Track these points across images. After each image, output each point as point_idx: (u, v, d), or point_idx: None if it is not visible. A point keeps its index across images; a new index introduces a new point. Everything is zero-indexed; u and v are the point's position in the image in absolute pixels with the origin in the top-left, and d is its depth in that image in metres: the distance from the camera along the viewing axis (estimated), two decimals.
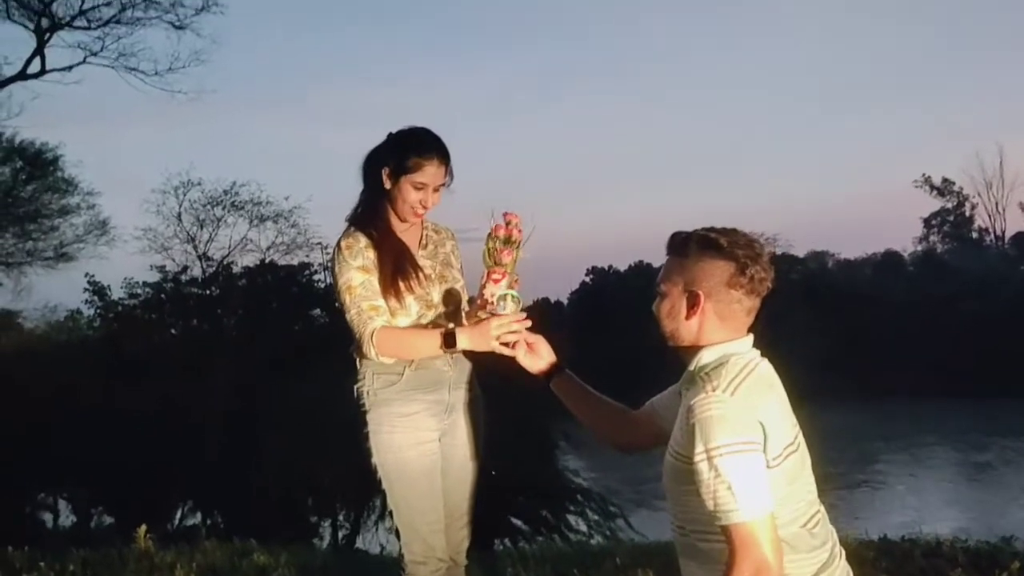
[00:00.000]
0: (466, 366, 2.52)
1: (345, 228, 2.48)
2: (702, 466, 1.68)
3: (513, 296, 2.31)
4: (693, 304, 1.85)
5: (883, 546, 4.16)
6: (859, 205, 79.31)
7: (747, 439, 1.69)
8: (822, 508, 1.86)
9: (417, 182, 2.39)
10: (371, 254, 2.40)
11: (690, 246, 1.87)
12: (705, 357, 1.85)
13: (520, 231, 2.33)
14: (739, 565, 1.64)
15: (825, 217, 78.00)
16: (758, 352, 1.89)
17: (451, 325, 2.36)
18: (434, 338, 2.32)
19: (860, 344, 38.73)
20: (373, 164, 2.46)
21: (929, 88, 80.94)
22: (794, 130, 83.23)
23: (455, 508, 2.51)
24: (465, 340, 2.30)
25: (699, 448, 1.69)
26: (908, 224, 62.47)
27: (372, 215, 2.46)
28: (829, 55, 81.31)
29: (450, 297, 2.49)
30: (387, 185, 2.42)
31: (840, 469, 26.08)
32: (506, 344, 2.30)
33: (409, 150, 2.39)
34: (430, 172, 2.39)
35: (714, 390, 1.73)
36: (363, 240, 2.42)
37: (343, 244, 2.42)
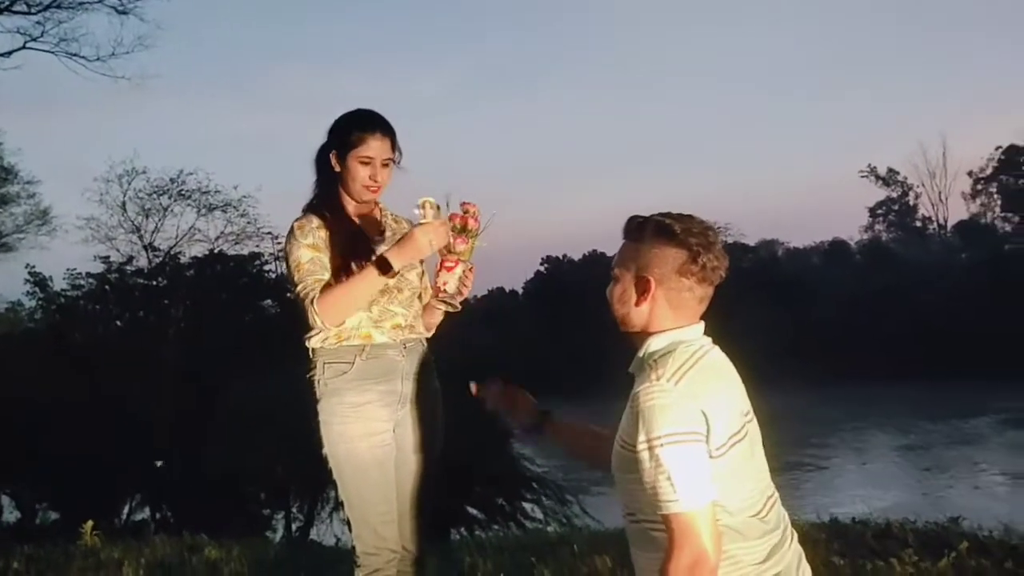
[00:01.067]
0: (421, 357, 2.48)
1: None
2: (643, 455, 1.68)
3: (431, 202, 2.28)
4: (644, 290, 1.84)
5: (834, 528, 4.23)
6: (808, 194, 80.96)
7: (688, 429, 1.68)
8: (775, 493, 1.86)
9: (362, 156, 2.37)
10: (323, 234, 2.37)
11: (645, 231, 1.86)
12: (654, 344, 1.84)
13: (477, 220, 2.33)
14: (677, 555, 1.65)
15: (775, 206, 79.44)
16: (709, 340, 1.88)
17: (382, 251, 2.29)
18: (369, 271, 2.26)
19: (808, 330, 39.52)
20: (322, 153, 2.45)
21: (875, 79, 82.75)
22: (746, 120, 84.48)
23: (407, 499, 2.47)
24: (396, 257, 2.24)
25: (641, 437, 1.69)
26: (855, 213, 63.78)
27: (326, 201, 2.43)
28: (779, 45, 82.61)
29: (405, 282, 2.44)
30: (337, 168, 2.41)
31: (787, 452, 26.63)
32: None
33: (351, 127, 2.39)
34: (374, 146, 2.38)
35: (658, 379, 1.73)
36: (316, 221, 2.39)
37: (295, 225, 2.39)
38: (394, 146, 2.42)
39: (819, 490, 21.69)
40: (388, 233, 2.50)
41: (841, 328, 39.54)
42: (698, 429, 1.69)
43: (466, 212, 2.31)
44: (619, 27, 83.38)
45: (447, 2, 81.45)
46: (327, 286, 2.29)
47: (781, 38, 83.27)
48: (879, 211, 55.39)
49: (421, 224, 2.25)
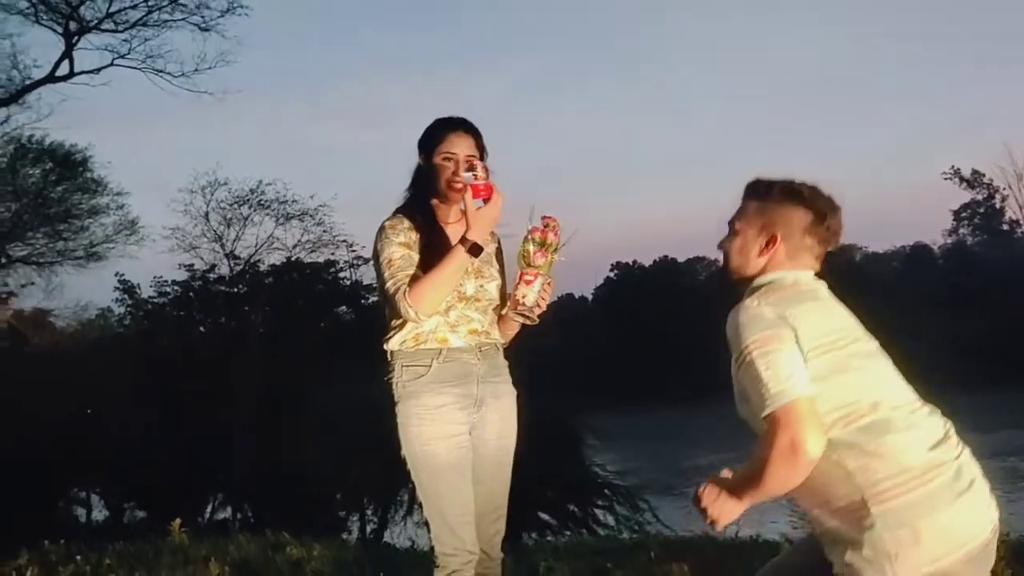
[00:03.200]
0: (497, 361, 2.50)
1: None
2: (741, 370, 1.78)
3: (482, 165, 2.35)
4: (769, 243, 1.93)
5: None
6: (889, 197, 78.46)
7: (772, 333, 1.76)
8: (936, 410, 1.89)
9: (445, 152, 2.43)
10: (414, 235, 2.43)
11: (773, 191, 1.96)
12: (763, 280, 1.94)
13: (557, 235, 2.34)
14: (775, 442, 1.69)
15: (854, 209, 76.89)
16: (818, 281, 1.97)
17: (466, 238, 2.31)
18: (453, 253, 2.30)
19: (888, 336, 38.32)
20: (416, 166, 2.53)
21: (959, 78, 79.87)
22: (822, 122, 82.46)
23: (487, 502, 2.49)
24: (473, 233, 2.30)
25: (735, 355, 1.79)
26: (938, 216, 61.61)
27: (416, 204, 2.50)
28: (861, 41, 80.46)
29: (484, 292, 2.47)
30: (425, 169, 2.49)
31: None
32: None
33: (435, 129, 2.47)
34: (456, 142, 2.43)
35: (747, 301, 1.85)
36: (406, 222, 2.45)
37: (387, 224, 2.45)
38: (479, 146, 2.47)
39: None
40: None
41: (923, 334, 38.25)
42: (783, 332, 1.76)
43: (547, 226, 2.33)
44: (692, 34, 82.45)
45: (517, 8, 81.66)
46: (415, 279, 2.33)
47: (863, 34, 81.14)
48: (963, 214, 53.35)
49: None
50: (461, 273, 2.35)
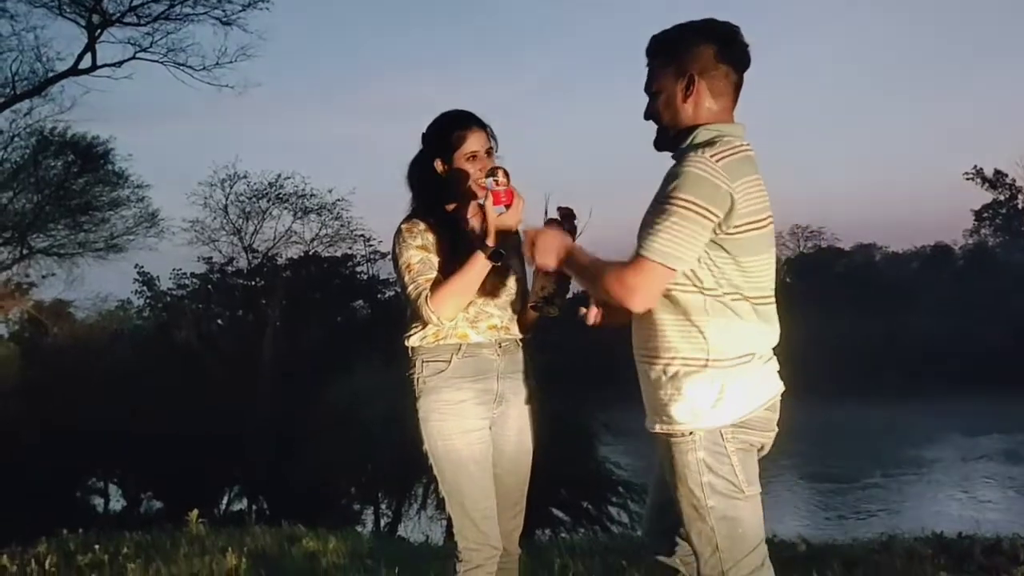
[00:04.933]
0: (517, 357, 2.49)
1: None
2: (657, 208, 1.88)
3: (503, 170, 2.31)
4: (689, 84, 1.97)
5: (940, 543, 4.06)
6: (909, 197, 77.79)
7: (706, 206, 1.85)
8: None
9: (467, 152, 2.41)
10: (431, 237, 2.41)
11: (670, 40, 2.01)
12: (702, 135, 1.96)
13: (573, 224, 2.30)
14: (629, 273, 1.89)
15: (873, 209, 76.57)
16: (749, 143, 2.00)
17: (487, 244, 2.30)
18: (474, 259, 2.30)
19: (909, 338, 38.03)
20: (420, 167, 2.48)
21: (981, 78, 79.09)
22: (840, 121, 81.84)
23: (505, 497, 2.48)
24: (493, 239, 2.29)
25: (664, 191, 1.88)
26: (959, 217, 60.98)
27: (430, 206, 2.46)
28: (878, 42, 79.83)
29: (504, 288, 2.45)
30: (444, 173, 2.44)
31: (888, 464, 25.70)
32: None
33: (450, 129, 2.42)
34: (475, 139, 2.42)
35: (703, 153, 1.88)
36: (422, 225, 2.43)
37: (403, 227, 2.43)
38: (490, 136, 2.46)
39: (922, 504, 20.85)
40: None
41: (944, 336, 37.91)
42: (715, 211, 1.86)
43: (564, 216, 2.27)
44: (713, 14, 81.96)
45: (536, 6, 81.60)
46: (436, 285, 2.33)
47: (879, 35, 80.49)
48: (985, 214, 52.81)
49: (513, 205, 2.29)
50: (481, 278, 2.34)
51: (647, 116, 2.07)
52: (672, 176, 1.89)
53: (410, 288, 2.35)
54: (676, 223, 1.85)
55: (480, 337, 2.41)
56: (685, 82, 1.98)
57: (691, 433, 1.96)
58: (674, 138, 2.02)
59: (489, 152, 2.44)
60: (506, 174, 2.31)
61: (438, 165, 2.44)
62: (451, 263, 2.36)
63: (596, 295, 2.09)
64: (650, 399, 2.03)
